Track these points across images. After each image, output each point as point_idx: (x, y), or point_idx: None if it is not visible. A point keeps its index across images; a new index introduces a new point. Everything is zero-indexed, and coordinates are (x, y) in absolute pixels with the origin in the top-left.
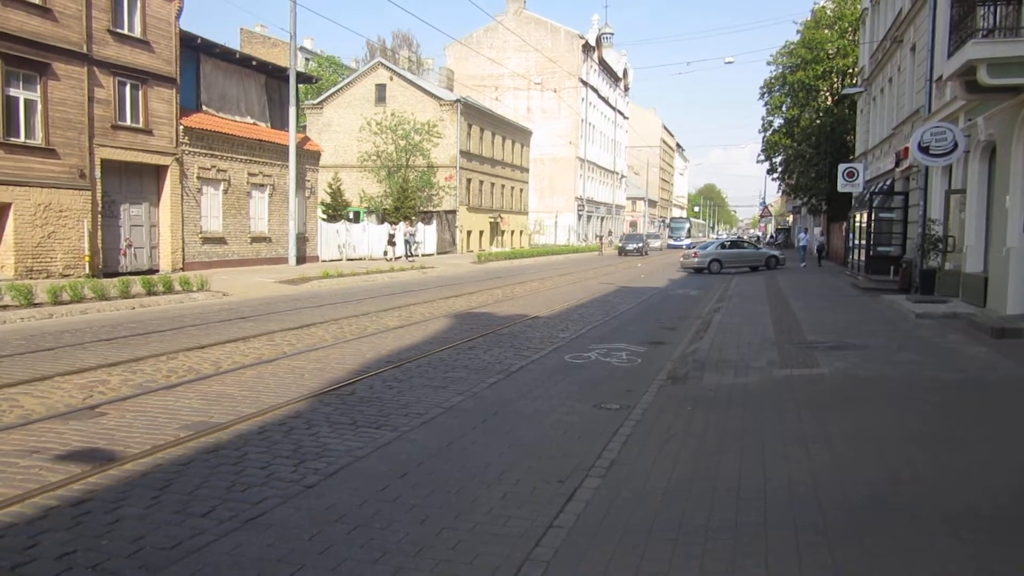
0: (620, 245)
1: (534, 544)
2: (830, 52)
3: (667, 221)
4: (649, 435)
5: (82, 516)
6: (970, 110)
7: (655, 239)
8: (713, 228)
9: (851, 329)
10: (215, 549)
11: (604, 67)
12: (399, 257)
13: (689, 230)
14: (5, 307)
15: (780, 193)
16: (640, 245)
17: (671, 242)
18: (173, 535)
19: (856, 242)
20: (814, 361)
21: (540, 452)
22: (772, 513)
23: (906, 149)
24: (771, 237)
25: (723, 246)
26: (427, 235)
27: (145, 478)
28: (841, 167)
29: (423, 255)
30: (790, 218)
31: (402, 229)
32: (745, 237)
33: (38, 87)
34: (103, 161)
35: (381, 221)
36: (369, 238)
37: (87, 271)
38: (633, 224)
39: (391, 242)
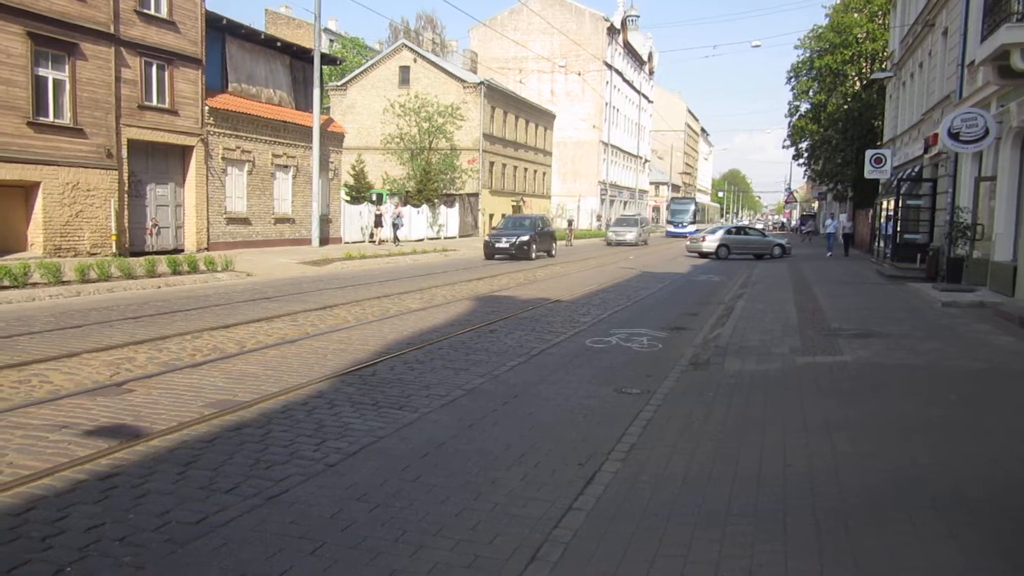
0: (486, 239)
1: (553, 526)
2: (859, 36)
3: (667, 202)
4: (670, 420)
5: (110, 490)
6: (1003, 96)
7: (628, 227)
8: (737, 214)
9: (875, 317)
10: (239, 525)
11: (629, 50)
12: (385, 240)
13: (695, 213)
14: (34, 285)
15: (806, 179)
16: (522, 240)
17: (671, 229)
18: (198, 510)
19: (883, 229)
20: (837, 348)
21: (560, 435)
22: (792, 500)
23: (936, 135)
24: (797, 223)
25: (730, 232)
26: (450, 218)
27: (171, 454)
28: (869, 153)
29: (445, 238)
30: (815, 204)
31: (389, 210)
32: (761, 225)
33: (66, 67)
34: (130, 141)
35: (404, 203)
36: (391, 221)
37: (114, 250)
38: (656, 209)
39: (378, 223)
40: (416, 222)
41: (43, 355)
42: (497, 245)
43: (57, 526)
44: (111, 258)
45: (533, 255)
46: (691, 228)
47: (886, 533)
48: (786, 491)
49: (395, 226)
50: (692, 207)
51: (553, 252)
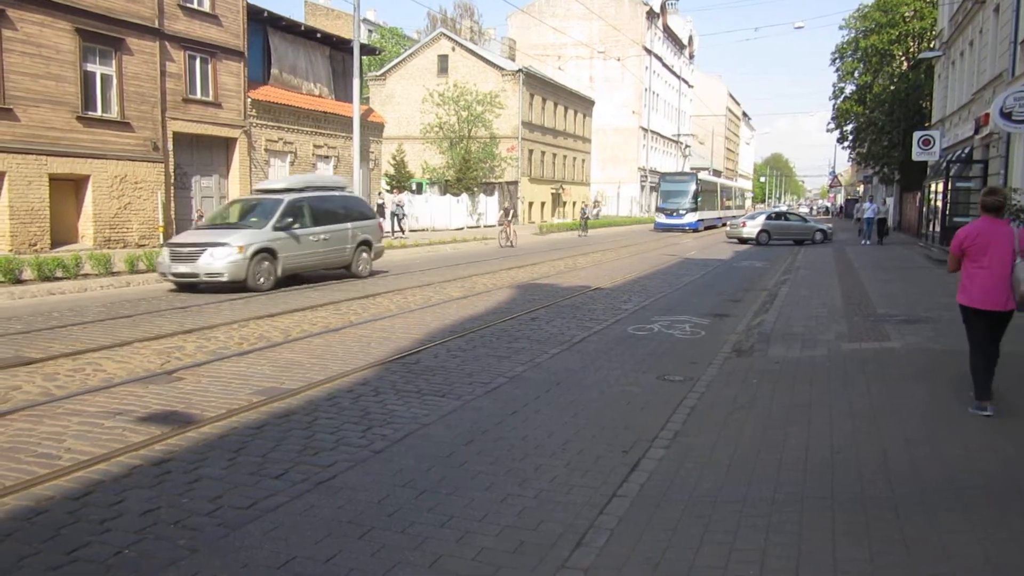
0: None
1: (598, 512)
2: (906, 15)
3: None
4: (714, 407)
5: (164, 475)
6: None
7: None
8: (780, 199)
9: (924, 302)
10: (289, 510)
11: (669, 34)
12: (388, 232)
13: (696, 195)
14: (86, 275)
15: (850, 162)
16: None
17: (661, 219)
18: (249, 495)
19: (931, 213)
20: (884, 335)
21: (603, 422)
22: (840, 487)
23: (987, 115)
24: (843, 207)
25: (770, 218)
26: (489, 206)
27: (221, 440)
28: (916, 135)
29: (484, 226)
30: (860, 188)
31: (390, 199)
32: (805, 210)
33: (113, 62)
34: (175, 134)
35: (444, 192)
36: (431, 210)
37: (161, 241)
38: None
39: (380, 213)
40: (455, 211)
41: (96, 344)
42: None
43: (114, 509)
44: (159, 249)
45: None
46: (693, 218)
47: (936, 521)
48: (833, 478)
49: (395, 216)
50: (692, 186)
51: None
